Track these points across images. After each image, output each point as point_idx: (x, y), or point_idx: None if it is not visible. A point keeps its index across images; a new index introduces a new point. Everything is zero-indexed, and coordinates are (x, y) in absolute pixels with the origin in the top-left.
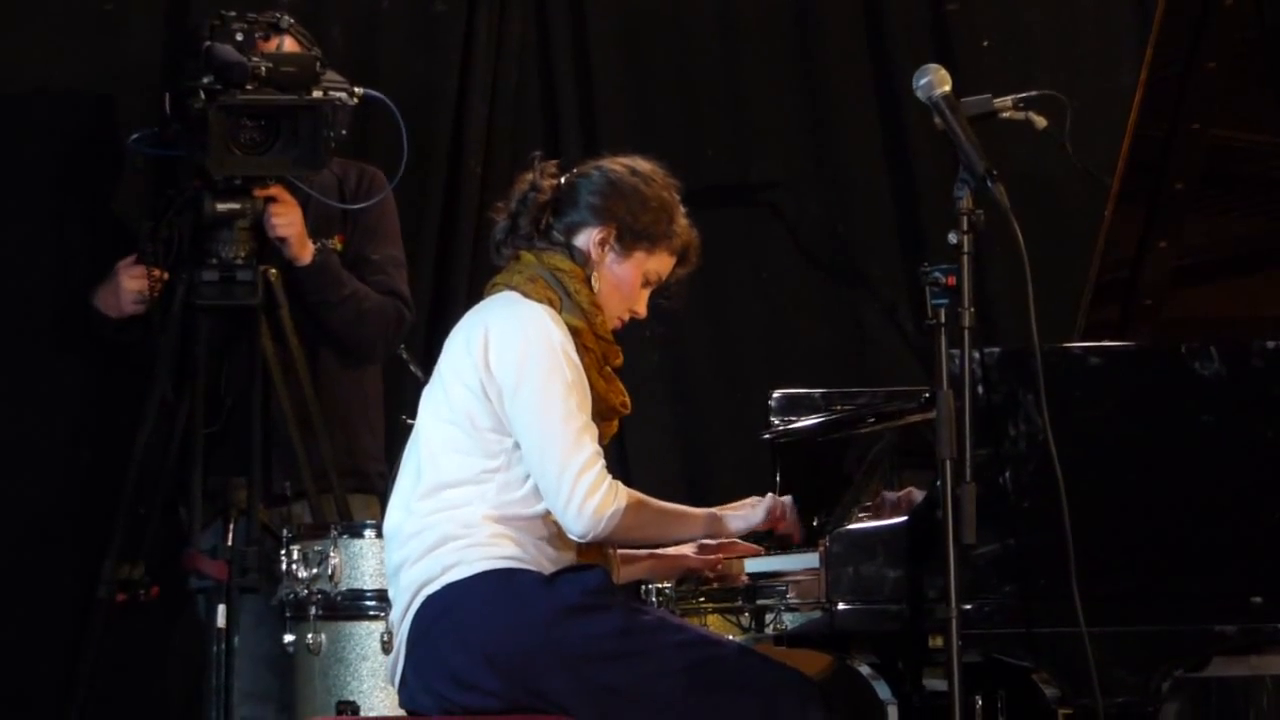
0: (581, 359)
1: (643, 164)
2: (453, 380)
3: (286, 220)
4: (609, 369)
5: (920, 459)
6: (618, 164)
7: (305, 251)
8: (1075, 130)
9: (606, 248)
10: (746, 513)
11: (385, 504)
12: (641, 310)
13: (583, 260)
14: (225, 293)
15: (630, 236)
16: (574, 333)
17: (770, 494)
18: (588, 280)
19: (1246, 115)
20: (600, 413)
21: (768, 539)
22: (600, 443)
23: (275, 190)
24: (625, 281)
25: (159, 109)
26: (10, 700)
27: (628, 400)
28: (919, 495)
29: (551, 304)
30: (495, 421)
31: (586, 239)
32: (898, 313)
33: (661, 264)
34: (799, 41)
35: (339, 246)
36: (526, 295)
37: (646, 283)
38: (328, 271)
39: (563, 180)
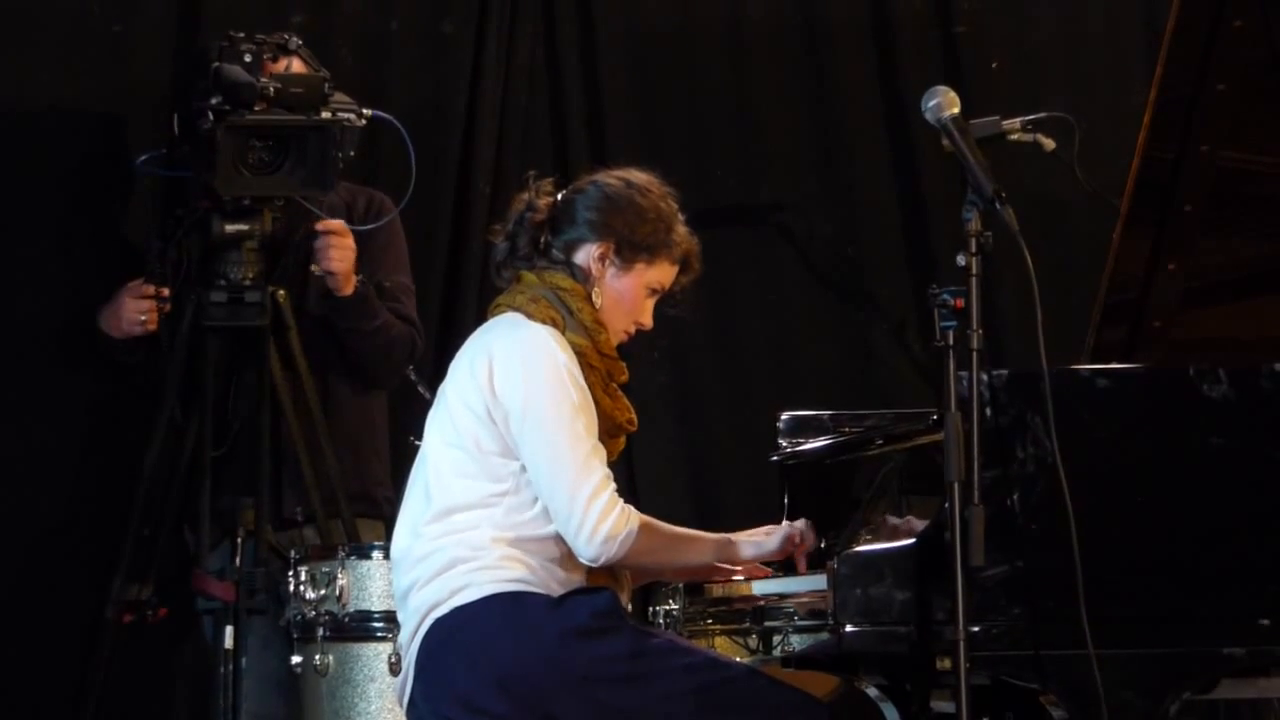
0: (587, 378)
1: (638, 175)
2: (458, 404)
3: (341, 255)
4: (614, 386)
5: (928, 481)
6: (613, 177)
7: (349, 284)
8: (1084, 152)
9: (607, 262)
10: (760, 539)
11: (391, 529)
12: (647, 321)
13: (584, 277)
14: (233, 314)
15: (630, 249)
16: (578, 351)
17: (786, 523)
18: (589, 298)
19: (1256, 137)
20: (607, 430)
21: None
22: (608, 460)
23: (334, 224)
24: (628, 295)
25: (168, 130)
26: None
27: (634, 417)
28: (918, 524)
29: (555, 324)
30: (501, 446)
31: (586, 255)
32: (906, 334)
33: (663, 274)
34: (808, 62)
35: None
36: (530, 316)
37: (650, 293)
38: (367, 302)
39: (559, 198)
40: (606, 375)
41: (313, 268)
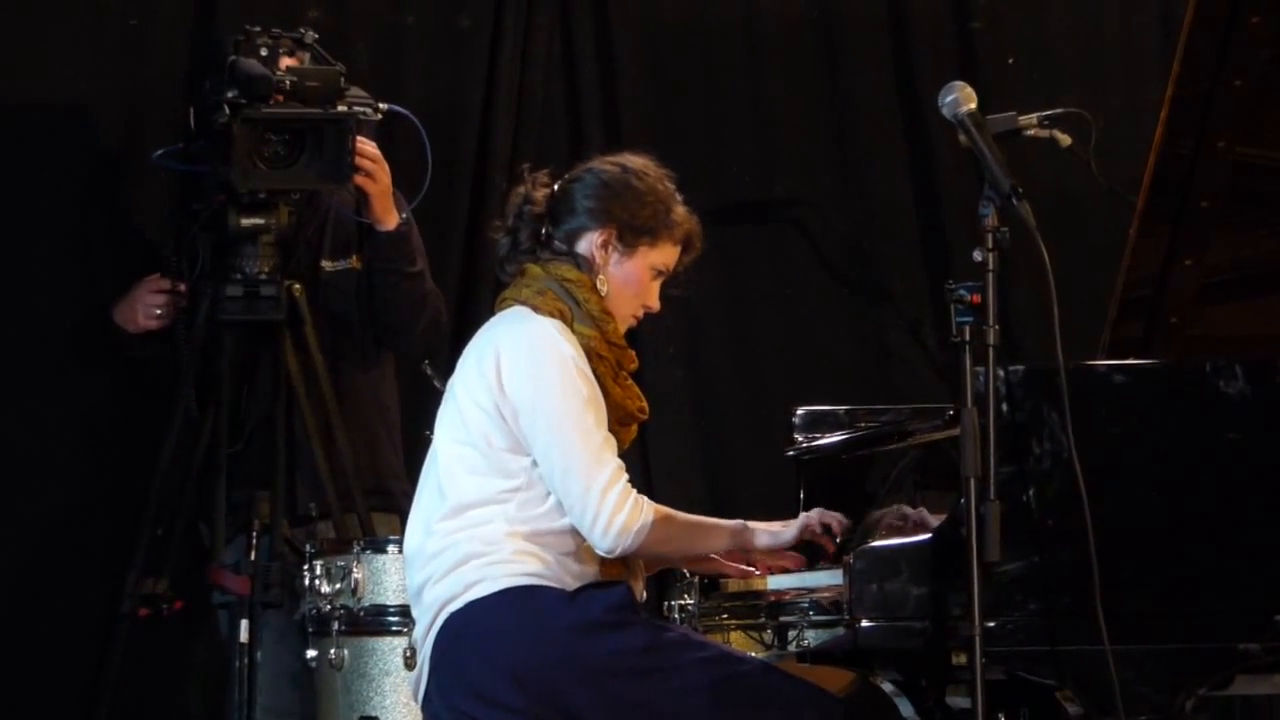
0: (597, 367)
1: (633, 159)
2: (466, 401)
3: (377, 172)
4: (624, 375)
5: (944, 477)
6: (608, 163)
7: (390, 217)
8: (1100, 147)
9: (610, 249)
10: (778, 529)
11: (406, 522)
12: (654, 304)
13: (588, 266)
14: (249, 308)
15: (632, 234)
16: (587, 342)
17: (804, 515)
18: (595, 287)
19: (1273, 132)
20: (618, 419)
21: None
22: (620, 449)
23: (367, 148)
24: (633, 279)
25: (184, 124)
26: (34, 715)
27: (645, 406)
28: (934, 519)
29: (563, 316)
30: (511, 441)
31: (589, 244)
32: (922, 330)
33: (666, 255)
34: (825, 58)
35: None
36: (537, 310)
37: (655, 275)
38: (410, 241)
39: (556, 188)
40: (616, 364)
41: (324, 263)
